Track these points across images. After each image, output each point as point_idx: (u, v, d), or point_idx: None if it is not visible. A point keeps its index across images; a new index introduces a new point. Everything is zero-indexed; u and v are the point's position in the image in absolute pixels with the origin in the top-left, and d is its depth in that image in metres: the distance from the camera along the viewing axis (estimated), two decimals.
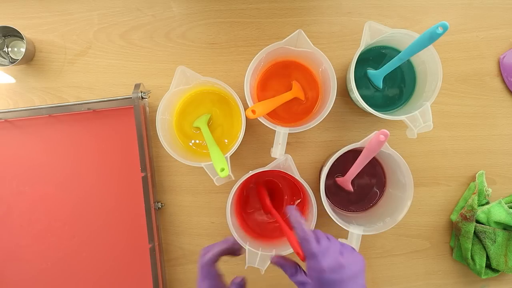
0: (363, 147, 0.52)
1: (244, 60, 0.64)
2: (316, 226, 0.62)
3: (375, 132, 0.49)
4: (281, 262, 0.46)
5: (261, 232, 0.61)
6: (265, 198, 0.58)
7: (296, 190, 0.62)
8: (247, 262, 0.51)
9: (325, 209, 0.54)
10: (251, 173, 0.54)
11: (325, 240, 0.43)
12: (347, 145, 0.54)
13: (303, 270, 0.44)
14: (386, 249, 0.66)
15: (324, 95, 0.58)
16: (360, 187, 0.61)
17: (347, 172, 0.56)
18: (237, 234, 0.52)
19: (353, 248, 0.44)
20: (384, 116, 0.53)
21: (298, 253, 0.43)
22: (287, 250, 0.52)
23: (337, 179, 0.60)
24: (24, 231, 0.65)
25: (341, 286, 0.40)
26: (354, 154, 0.56)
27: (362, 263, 0.42)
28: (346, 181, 0.57)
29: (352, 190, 0.59)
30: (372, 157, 0.51)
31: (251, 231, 0.61)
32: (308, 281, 0.42)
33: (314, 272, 0.41)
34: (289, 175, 0.54)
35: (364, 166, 0.54)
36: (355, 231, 0.53)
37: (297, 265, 0.45)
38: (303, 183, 0.53)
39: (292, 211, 0.45)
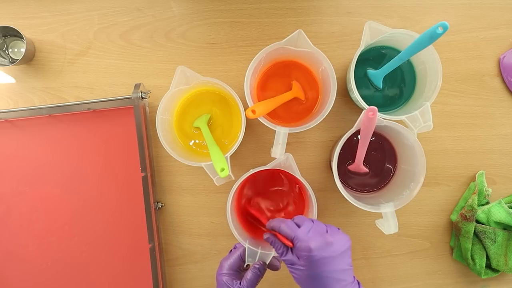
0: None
1: (244, 60, 0.64)
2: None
3: (364, 111, 0.49)
4: (272, 240, 0.47)
5: (260, 228, 0.61)
6: (260, 217, 0.59)
7: (295, 191, 0.62)
8: (246, 260, 0.51)
9: (347, 206, 0.54)
10: (252, 171, 0.54)
11: (308, 222, 0.46)
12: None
13: (292, 252, 0.45)
14: (386, 249, 0.66)
15: (324, 95, 0.58)
16: (373, 165, 0.61)
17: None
18: (237, 232, 0.52)
19: (339, 229, 0.46)
20: (384, 116, 0.53)
21: (287, 244, 0.44)
22: None
23: (349, 167, 0.60)
24: (24, 231, 0.65)
25: (330, 264, 0.41)
26: (358, 140, 0.56)
27: (348, 242, 0.44)
28: (357, 165, 0.58)
29: (367, 170, 0.59)
30: (370, 135, 0.52)
31: (251, 228, 0.61)
32: (297, 261, 0.43)
33: (302, 252, 0.42)
34: (289, 174, 0.54)
35: (373, 145, 0.58)
36: (388, 210, 0.53)
37: (287, 246, 0.46)
38: (303, 182, 0.54)
39: (269, 224, 0.49)
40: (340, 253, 0.42)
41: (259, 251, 0.51)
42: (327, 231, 0.44)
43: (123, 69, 0.64)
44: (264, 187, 0.62)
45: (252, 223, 0.62)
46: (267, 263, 0.51)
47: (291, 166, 0.54)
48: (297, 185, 0.61)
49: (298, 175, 0.54)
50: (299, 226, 0.45)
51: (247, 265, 0.52)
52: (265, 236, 0.49)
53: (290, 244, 0.44)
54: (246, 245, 0.51)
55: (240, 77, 0.63)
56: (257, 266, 0.49)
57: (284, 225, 0.46)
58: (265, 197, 0.62)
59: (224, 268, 0.50)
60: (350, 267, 0.43)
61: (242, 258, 0.51)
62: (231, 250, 0.54)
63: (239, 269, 0.51)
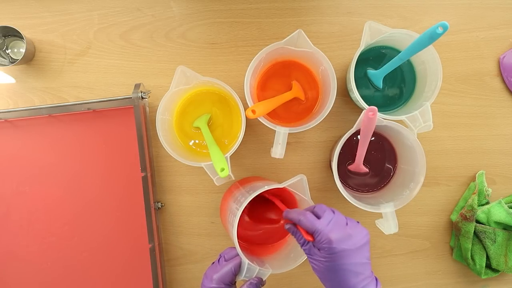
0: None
1: (244, 60, 0.64)
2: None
3: (364, 111, 0.49)
4: (293, 230, 0.47)
5: (255, 241, 0.60)
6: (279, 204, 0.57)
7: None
8: (243, 276, 0.49)
9: (347, 206, 0.54)
10: (266, 188, 0.51)
11: (329, 213, 0.45)
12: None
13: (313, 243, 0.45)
14: (386, 249, 0.66)
15: (324, 95, 0.58)
16: (373, 165, 0.61)
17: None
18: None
19: (358, 222, 0.46)
20: (384, 116, 0.53)
21: (307, 238, 0.44)
22: (282, 269, 0.51)
23: (349, 167, 0.60)
24: (24, 231, 0.65)
25: (350, 256, 0.41)
26: (358, 140, 0.56)
27: (367, 236, 0.44)
28: (357, 165, 0.58)
29: (367, 170, 0.59)
30: (371, 135, 0.52)
31: (246, 242, 0.60)
32: (317, 252, 0.43)
33: (323, 244, 0.42)
34: (290, 193, 0.53)
35: (373, 145, 0.58)
36: (388, 210, 0.53)
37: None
38: (310, 204, 0.52)
39: (287, 215, 0.47)
40: (359, 246, 0.42)
41: (258, 267, 0.49)
42: (347, 224, 0.44)
43: (123, 69, 0.64)
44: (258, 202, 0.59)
45: (247, 235, 0.61)
46: (263, 279, 0.50)
47: (303, 187, 0.52)
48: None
49: (307, 197, 0.52)
50: (318, 217, 0.45)
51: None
52: (286, 226, 0.48)
53: (310, 238, 0.43)
54: (246, 261, 0.49)
55: (240, 77, 0.63)
56: (254, 282, 0.48)
57: (304, 218, 0.44)
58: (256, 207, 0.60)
59: (214, 281, 0.48)
60: (368, 261, 0.43)
61: (234, 272, 0.49)
62: (218, 260, 0.51)
63: (230, 283, 0.49)
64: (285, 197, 0.60)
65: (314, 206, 0.47)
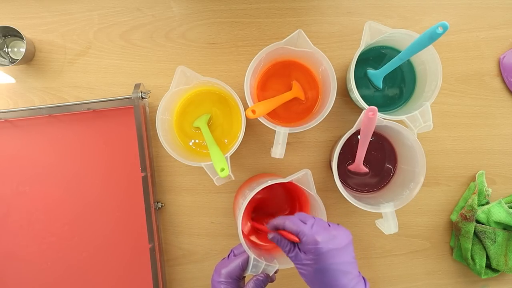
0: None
1: (244, 60, 0.64)
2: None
3: (364, 111, 0.49)
4: (277, 238, 0.47)
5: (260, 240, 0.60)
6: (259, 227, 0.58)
7: (294, 202, 0.61)
8: (249, 271, 0.49)
9: (347, 206, 0.55)
10: (269, 182, 0.51)
11: (310, 218, 0.46)
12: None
13: (299, 248, 0.45)
14: (386, 249, 0.66)
15: (324, 95, 0.58)
16: (373, 165, 0.61)
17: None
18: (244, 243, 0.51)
19: (339, 224, 0.47)
20: (384, 116, 0.53)
21: (293, 240, 0.44)
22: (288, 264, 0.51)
23: (349, 167, 0.60)
24: (24, 231, 0.65)
25: (336, 256, 0.42)
26: (358, 140, 0.56)
27: (350, 236, 0.45)
28: (357, 165, 0.58)
29: (367, 170, 0.59)
30: (370, 135, 0.52)
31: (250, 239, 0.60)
32: (304, 256, 0.43)
33: (309, 245, 0.42)
34: (298, 187, 0.53)
35: (373, 145, 0.58)
36: (388, 210, 0.53)
37: (293, 243, 0.46)
38: (318, 200, 0.52)
39: (272, 224, 0.48)
40: (344, 245, 0.43)
41: (264, 263, 0.49)
42: (329, 225, 0.45)
43: (123, 69, 0.64)
44: (265, 197, 0.60)
45: (252, 231, 0.61)
46: (270, 275, 0.50)
47: (308, 182, 0.52)
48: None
49: (313, 192, 0.52)
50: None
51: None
52: (270, 235, 0.48)
53: (296, 239, 0.44)
54: (253, 256, 0.49)
55: (240, 77, 0.63)
56: (261, 278, 0.49)
57: (289, 221, 0.46)
58: (265, 205, 0.61)
59: (222, 276, 0.49)
60: (355, 261, 0.43)
61: (242, 267, 0.49)
62: (229, 256, 0.52)
63: (238, 278, 0.49)
64: (294, 196, 0.61)
65: (296, 215, 0.48)
